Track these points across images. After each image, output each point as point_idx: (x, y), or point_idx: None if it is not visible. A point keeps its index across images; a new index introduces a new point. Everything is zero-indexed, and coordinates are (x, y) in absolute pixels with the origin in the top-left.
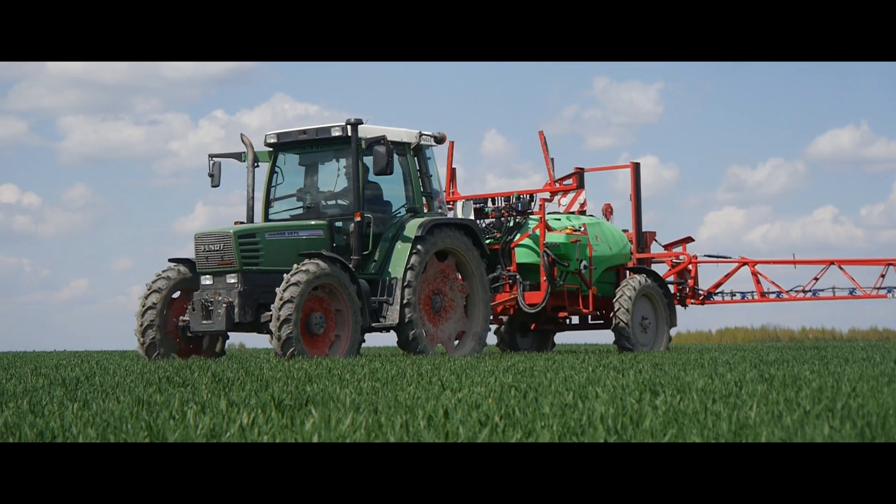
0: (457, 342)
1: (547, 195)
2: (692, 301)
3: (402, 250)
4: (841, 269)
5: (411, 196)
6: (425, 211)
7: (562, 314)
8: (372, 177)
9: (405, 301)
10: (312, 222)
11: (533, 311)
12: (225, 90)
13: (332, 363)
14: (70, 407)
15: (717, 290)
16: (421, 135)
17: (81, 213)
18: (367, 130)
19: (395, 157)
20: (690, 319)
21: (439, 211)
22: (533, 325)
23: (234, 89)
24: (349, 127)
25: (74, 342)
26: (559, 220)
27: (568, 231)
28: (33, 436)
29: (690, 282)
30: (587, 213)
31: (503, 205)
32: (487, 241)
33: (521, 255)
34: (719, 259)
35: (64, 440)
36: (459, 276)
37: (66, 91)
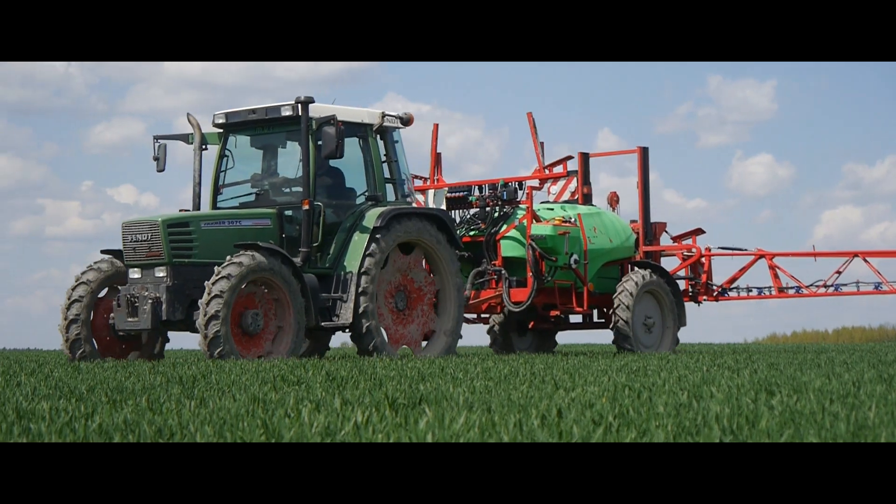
0: (426, 342)
1: (536, 182)
2: (705, 297)
3: (359, 242)
4: (865, 261)
5: (373, 183)
6: (394, 199)
7: (553, 313)
8: (333, 161)
9: (360, 298)
10: (258, 210)
11: (518, 309)
12: (337, 90)
13: (446, 362)
14: (187, 405)
15: (731, 286)
16: (384, 115)
17: None
18: (320, 110)
19: (358, 140)
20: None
21: (407, 199)
22: (531, 324)
23: (347, 89)
24: (299, 106)
25: (192, 341)
26: (552, 209)
27: (557, 222)
28: (152, 433)
29: (703, 276)
30: (591, 202)
31: (488, 193)
32: (472, 233)
33: (507, 249)
34: (734, 252)
35: (182, 438)
36: (429, 272)
37: (183, 92)
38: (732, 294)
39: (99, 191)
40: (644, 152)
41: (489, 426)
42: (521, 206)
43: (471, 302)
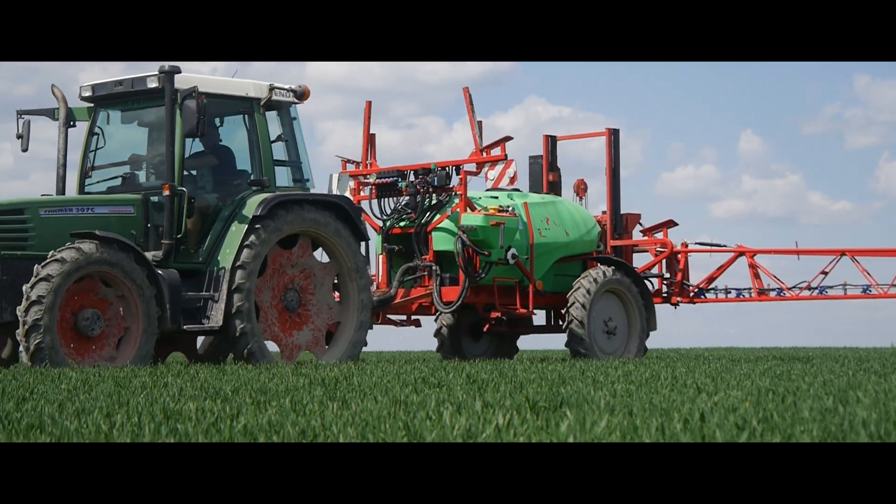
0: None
1: (473, 167)
2: (679, 299)
3: (236, 233)
4: (854, 261)
5: (258, 165)
6: (292, 185)
7: (494, 314)
8: (226, 139)
9: (234, 296)
10: (119, 196)
11: (448, 309)
12: (479, 93)
13: (586, 365)
14: (330, 406)
15: (710, 286)
16: (273, 88)
17: None
18: (189, 80)
19: (243, 117)
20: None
21: (306, 185)
22: (486, 327)
23: (489, 92)
24: (164, 76)
25: None
26: (496, 197)
27: (492, 211)
28: (295, 434)
29: (679, 275)
30: (559, 190)
31: (418, 179)
32: (402, 224)
33: (439, 242)
34: (712, 248)
35: (325, 439)
36: (332, 269)
37: (326, 96)
38: (710, 296)
39: None
40: (613, 135)
41: (631, 430)
42: (456, 193)
43: (398, 300)
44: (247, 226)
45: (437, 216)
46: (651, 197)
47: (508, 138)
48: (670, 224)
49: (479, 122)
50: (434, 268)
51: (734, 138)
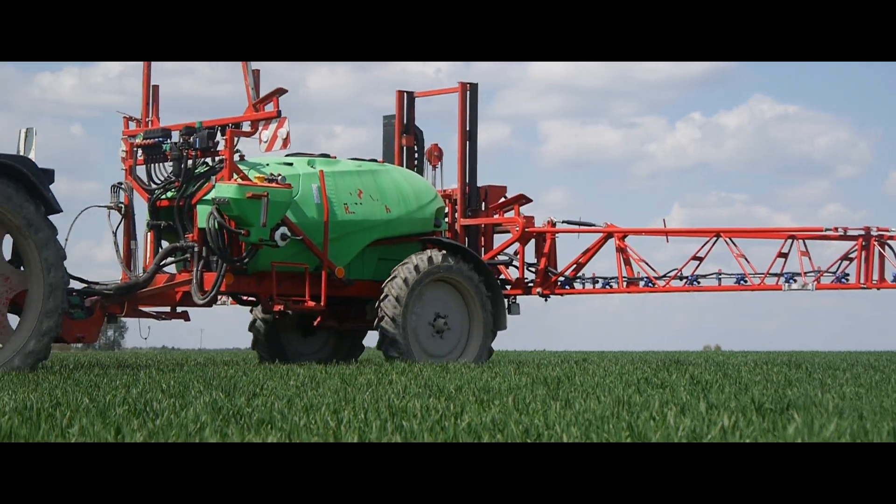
0: None
1: (247, 126)
2: (539, 290)
3: None
4: (730, 243)
5: None
6: None
7: (277, 307)
8: None
9: None
10: None
11: (202, 301)
12: (702, 92)
13: (813, 367)
14: (553, 406)
15: (577, 275)
16: None
17: (563, 215)
18: None
19: None
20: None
21: None
22: (318, 321)
23: (712, 91)
24: None
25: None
26: (291, 164)
27: (256, 180)
28: (519, 433)
29: (542, 261)
30: (415, 157)
31: (182, 141)
32: (169, 195)
33: (205, 217)
34: (579, 227)
35: (548, 438)
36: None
37: (547, 97)
38: (577, 286)
39: None
40: (468, 90)
41: (861, 433)
42: (224, 157)
43: (154, 287)
44: None
45: (205, 185)
46: (878, 196)
47: (282, 91)
48: (521, 199)
49: (256, 72)
50: (195, 249)
51: None
